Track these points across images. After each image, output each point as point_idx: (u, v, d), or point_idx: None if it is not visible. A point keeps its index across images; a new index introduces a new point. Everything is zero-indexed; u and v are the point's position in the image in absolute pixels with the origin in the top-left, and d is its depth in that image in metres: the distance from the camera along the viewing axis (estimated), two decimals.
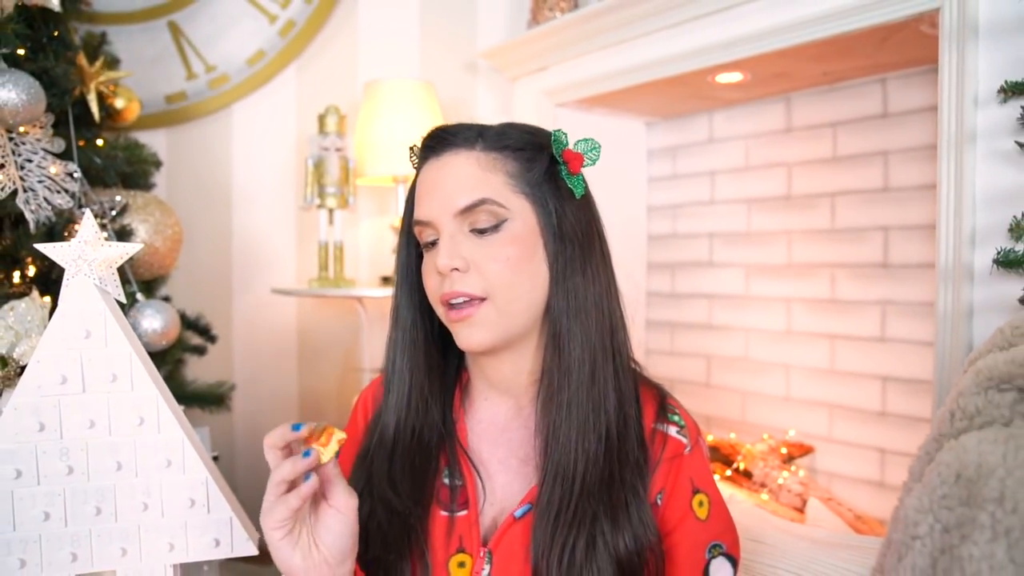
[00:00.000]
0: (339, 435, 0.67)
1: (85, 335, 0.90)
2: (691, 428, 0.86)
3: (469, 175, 0.78)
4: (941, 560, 0.56)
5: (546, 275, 0.80)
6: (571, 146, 0.82)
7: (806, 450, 1.75)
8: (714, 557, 0.82)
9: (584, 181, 0.83)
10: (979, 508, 0.53)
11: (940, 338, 1.20)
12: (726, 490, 1.65)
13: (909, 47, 1.42)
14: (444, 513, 0.80)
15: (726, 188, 2.01)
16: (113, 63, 1.57)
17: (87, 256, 0.91)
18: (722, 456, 1.76)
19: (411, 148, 0.87)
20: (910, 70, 1.60)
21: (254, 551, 0.98)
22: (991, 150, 1.13)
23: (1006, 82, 1.07)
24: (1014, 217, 1.05)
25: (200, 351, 1.61)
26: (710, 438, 1.84)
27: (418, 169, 0.84)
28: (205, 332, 1.63)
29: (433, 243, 0.80)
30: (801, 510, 1.61)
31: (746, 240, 1.95)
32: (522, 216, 0.79)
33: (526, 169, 0.80)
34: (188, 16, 2.07)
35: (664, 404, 0.86)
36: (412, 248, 0.86)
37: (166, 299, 1.49)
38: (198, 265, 1.92)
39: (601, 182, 2.39)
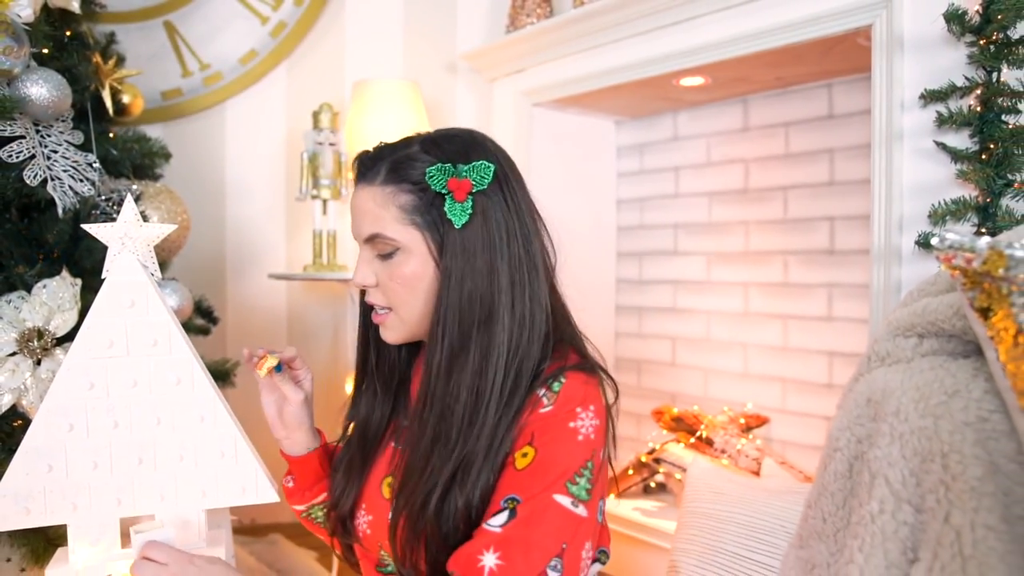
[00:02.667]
0: (270, 362, 0.97)
1: (130, 304, 0.99)
2: (568, 398, 0.82)
3: (367, 211, 0.88)
4: (855, 464, 0.72)
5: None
6: (462, 173, 0.83)
7: (762, 420, 1.92)
8: (504, 509, 0.79)
9: (473, 207, 0.83)
10: (882, 421, 0.69)
11: (874, 312, 1.36)
12: (689, 456, 1.80)
13: (851, 56, 1.58)
14: (394, 445, 0.96)
15: (689, 183, 2.15)
16: (121, 61, 1.66)
17: (131, 235, 1.01)
18: (686, 426, 1.92)
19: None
20: (852, 76, 1.76)
21: (275, 498, 1.09)
22: (915, 148, 1.29)
23: (925, 90, 1.24)
24: (932, 205, 1.22)
25: (204, 332, 1.70)
26: (675, 410, 1.99)
27: None
28: (208, 314, 1.72)
29: None
30: (757, 473, 1.78)
31: (707, 230, 2.10)
32: (413, 244, 0.86)
33: (418, 199, 0.85)
34: (183, 16, 2.14)
35: (559, 374, 0.84)
36: None
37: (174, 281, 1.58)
38: (194, 252, 2.01)
39: (573, 177, 2.52)
